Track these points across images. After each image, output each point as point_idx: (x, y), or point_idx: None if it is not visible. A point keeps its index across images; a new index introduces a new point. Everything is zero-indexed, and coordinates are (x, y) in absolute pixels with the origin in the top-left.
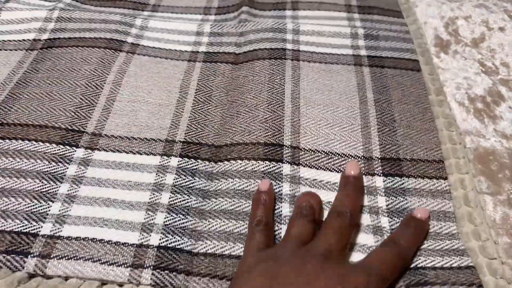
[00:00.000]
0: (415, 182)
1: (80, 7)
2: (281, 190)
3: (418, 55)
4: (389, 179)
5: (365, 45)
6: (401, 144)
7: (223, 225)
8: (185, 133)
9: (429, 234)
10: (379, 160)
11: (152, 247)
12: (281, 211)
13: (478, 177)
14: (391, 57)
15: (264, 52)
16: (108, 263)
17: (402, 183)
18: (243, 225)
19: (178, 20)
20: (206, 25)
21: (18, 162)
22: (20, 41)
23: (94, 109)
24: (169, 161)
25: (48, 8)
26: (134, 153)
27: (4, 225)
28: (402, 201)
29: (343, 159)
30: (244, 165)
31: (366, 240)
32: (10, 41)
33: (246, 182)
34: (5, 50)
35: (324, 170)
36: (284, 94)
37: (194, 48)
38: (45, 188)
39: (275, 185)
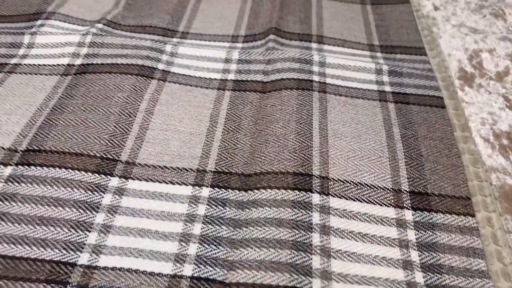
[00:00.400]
0: (443, 217)
1: (111, 32)
2: (311, 219)
3: (442, 89)
4: (418, 213)
5: (390, 81)
6: (428, 179)
7: (254, 254)
8: (216, 163)
9: (458, 269)
10: (408, 194)
11: (185, 277)
12: (311, 241)
13: (504, 216)
14: (415, 94)
15: (292, 82)
16: None
17: (431, 218)
18: (274, 253)
19: (207, 47)
20: (234, 52)
21: (56, 190)
22: (54, 65)
23: (128, 137)
24: (201, 192)
25: (81, 33)
26: (167, 183)
27: (44, 254)
28: (432, 235)
29: (372, 190)
30: (274, 194)
31: (395, 275)
32: (45, 65)
33: (276, 211)
34: (41, 74)
35: (354, 200)
36: (312, 125)
37: (223, 75)
38: (82, 217)
39: (304, 214)
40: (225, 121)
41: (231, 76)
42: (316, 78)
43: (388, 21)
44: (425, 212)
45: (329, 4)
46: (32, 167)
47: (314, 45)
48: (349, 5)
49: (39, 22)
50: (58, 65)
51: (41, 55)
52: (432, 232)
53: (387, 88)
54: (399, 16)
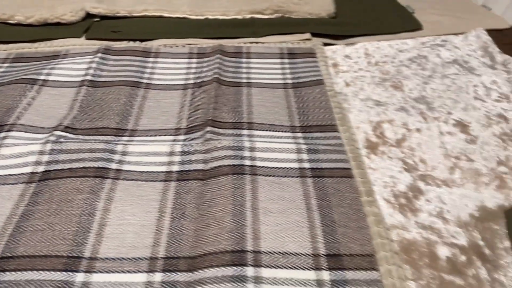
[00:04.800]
0: (353, 274)
1: (69, 137)
2: None
3: (351, 160)
4: (333, 272)
5: (308, 158)
6: (340, 242)
7: None
8: (165, 250)
9: None
10: (325, 257)
11: None
12: None
13: (403, 266)
14: (329, 168)
15: (227, 169)
16: None
17: (344, 276)
18: None
19: (152, 143)
20: (177, 146)
21: None
22: (19, 175)
23: (89, 235)
24: (154, 277)
25: (41, 141)
26: (125, 272)
27: None
28: None
29: (296, 257)
30: (215, 272)
31: None
32: (10, 175)
33: (217, 286)
34: (7, 184)
35: (282, 268)
36: (245, 206)
37: (168, 168)
38: None
39: (240, 287)
40: (171, 210)
41: (175, 168)
42: (247, 162)
43: (307, 103)
44: (339, 271)
45: (257, 91)
46: (7, 273)
47: (245, 132)
48: (274, 90)
49: (2, 134)
50: (23, 174)
51: (6, 165)
52: None
53: (306, 165)
54: (315, 97)
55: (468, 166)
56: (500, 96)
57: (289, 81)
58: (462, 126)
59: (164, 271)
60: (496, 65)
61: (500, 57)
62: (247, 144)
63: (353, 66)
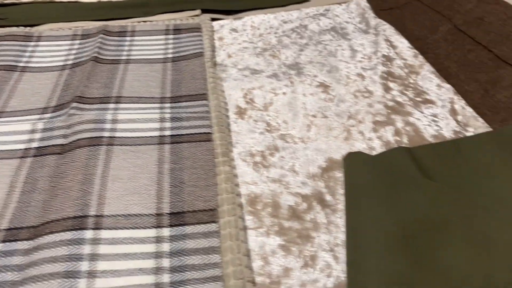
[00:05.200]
0: (193, 228)
1: None
2: (83, 251)
3: (214, 125)
4: (174, 228)
5: (171, 126)
6: (186, 200)
7: None
8: (9, 222)
9: (199, 265)
10: (168, 215)
11: None
12: (80, 268)
13: (245, 217)
14: (189, 134)
15: (85, 141)
16: None
17: (184, 230)
18: (46, 285)
19: (15, 123)
20: (40, 123)
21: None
22: None
23: None
24: None
25: None
26: None
27: None
28: (182, 244)
29: (139, 218)
30: (53, 238)
31: (146, 280)
32: None
33: (53, 251)
34: None
35: (122, 229)
36: (95, 174)
37: (27, 145)
38: None
39: (77, 249)
40: (23, 185)
41: (34, 145)
42: (106, 134)
43: (182, 75)
44: (180, 227)
45: (135, 67)
46: None
47: (111, 106)
48: (153, 65)
49: None
50: None
51: None
52: (183, 242)
53: (167, 133)
54: (192, 69)
55: (322, 123)
56: (363, 57)
57: (170, 56)
58: (324, 87)
59: (4, 241)
60: (369, 30)
61: (373, 21)
62: (109, 117)
63: (238, 38)
